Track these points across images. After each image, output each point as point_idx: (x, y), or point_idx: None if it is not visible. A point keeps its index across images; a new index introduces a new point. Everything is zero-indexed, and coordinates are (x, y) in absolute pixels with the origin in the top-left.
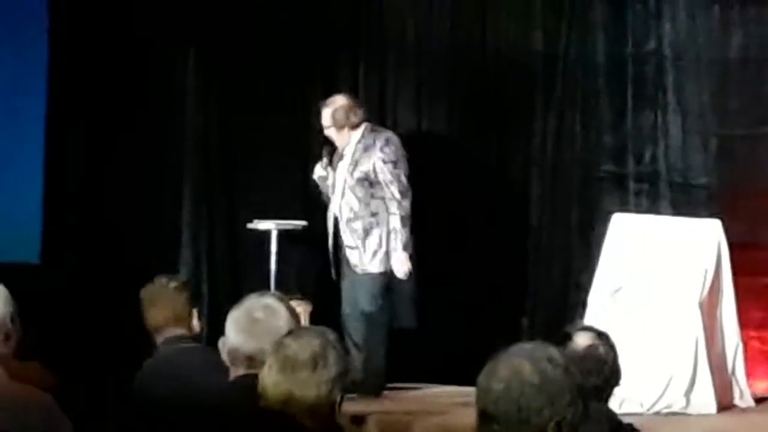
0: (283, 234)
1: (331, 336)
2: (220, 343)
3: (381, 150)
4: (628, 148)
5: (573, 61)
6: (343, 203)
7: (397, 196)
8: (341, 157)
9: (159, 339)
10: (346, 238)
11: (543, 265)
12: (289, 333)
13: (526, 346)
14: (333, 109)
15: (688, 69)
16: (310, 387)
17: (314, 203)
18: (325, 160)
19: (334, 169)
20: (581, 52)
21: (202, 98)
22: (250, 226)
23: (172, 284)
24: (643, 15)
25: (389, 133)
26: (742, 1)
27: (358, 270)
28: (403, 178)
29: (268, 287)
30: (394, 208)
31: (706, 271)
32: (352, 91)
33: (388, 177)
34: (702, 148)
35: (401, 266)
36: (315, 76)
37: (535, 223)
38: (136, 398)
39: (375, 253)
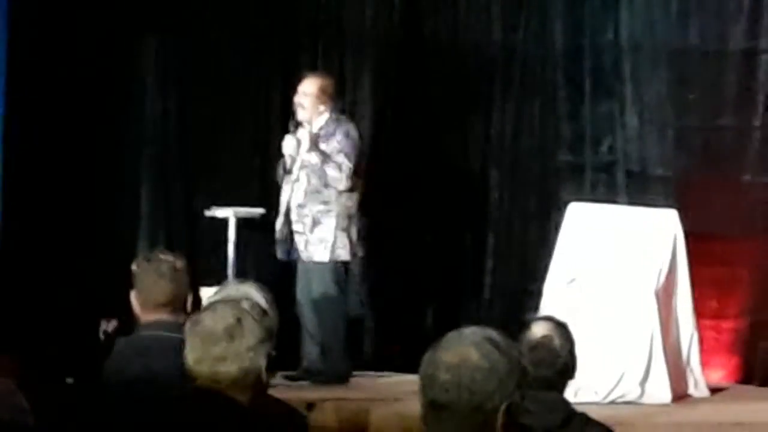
0: (241, 221)
1: (247, 304)
2: None
3: (339, 141)
4: (586, 138)
5: (531, 52)
6: (296, 187)
7: (341, 187)
8: (299, 142)
9: (143, 319)
10: (296, 223)
11: (501, 254)
12: (205, 308)
13: (464, 332)
14: (324, 83)
15: (646, 60)
16: (230, 359)
17: (272, 190)
18: (293, 135)
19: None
20: (539, 43)
21: (161, 86)
22: (207, 213)
23: (166, 266)
24: (601, 6)
25: (350, 125)
26: None
27: (304, 257)
28: (350, 172)
29: (226, 275)
30: (343, 198)
31: (662, 261)
32: None
33: (339, 170)
34: (659, 139)
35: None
36: (274, 62)
37: (493, 212)
38: (103, 382)
39: (322, 241)
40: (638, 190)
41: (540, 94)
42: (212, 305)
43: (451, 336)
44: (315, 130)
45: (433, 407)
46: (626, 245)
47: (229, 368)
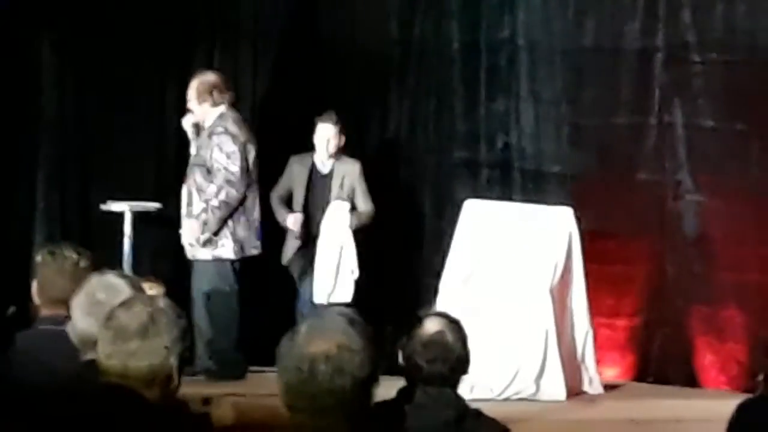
0: (137, 216)
1: (162, 303)
2: (69, 328)
3: (219, 137)
4: (481, 135)
5: (427, 49)
6: (185, 185)
7: (219, 183)
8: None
9: (41, 312)
10: (184, 221)
11: (396, 251)
12: (121, 304)
13: (325, 318)
14: (198, 82)
15: (542, 58)
16: (142, 356)
17: (169, 185)
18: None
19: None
20: (435, 40)
21: (58, 79)
22: (103, 207)
23: (69, 263)
24: (497, 3)
25: (229, 122)
26: None
27: (190, 255)
28: (233, 168)
29: (122, 269)
30: (217, 195)
31: (557, 259)
32: None
33: (216, 166)
34: (555, 137)
35: (191, 234)
36: (170, 58)
37: (388, 208)
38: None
39: (205, 239)
40: (533, 188)
41: (436, 91)
42: (129, 301)
43: (314, 324)
44: (207, 127)
45: (314, 398)
46: (521, 242)
47: (139, 364)
